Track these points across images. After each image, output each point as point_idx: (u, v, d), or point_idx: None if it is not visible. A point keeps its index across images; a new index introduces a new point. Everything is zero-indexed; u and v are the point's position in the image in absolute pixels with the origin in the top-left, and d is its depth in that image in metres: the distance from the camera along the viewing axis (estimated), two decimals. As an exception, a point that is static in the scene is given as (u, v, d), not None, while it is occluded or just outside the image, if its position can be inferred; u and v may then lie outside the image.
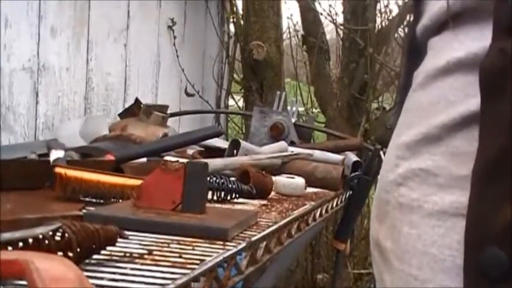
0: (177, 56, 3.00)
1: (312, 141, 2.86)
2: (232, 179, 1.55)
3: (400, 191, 0.65)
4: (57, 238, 0.86)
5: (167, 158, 1.70)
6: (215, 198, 1.47)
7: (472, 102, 0.60)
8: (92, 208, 1.23)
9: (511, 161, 0.55)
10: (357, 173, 1.89)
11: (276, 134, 2.37)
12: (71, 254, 0.85)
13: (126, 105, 2.49)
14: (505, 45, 0.56)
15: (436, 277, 0.60)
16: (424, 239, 0.61)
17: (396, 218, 0.65)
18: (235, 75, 3.50)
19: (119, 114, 2.36)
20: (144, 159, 1.73)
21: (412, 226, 0.62)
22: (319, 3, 3.55)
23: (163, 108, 2.28)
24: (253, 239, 1.12)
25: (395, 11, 3.55)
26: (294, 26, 3.76)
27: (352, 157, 2.23)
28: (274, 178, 1.72)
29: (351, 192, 1.94)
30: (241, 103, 3.43)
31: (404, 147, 0.66)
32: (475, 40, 0.62)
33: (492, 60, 0.58)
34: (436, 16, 0.68)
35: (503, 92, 0.56)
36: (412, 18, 0.73)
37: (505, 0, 0.57)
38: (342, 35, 3.53)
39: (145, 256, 0.96)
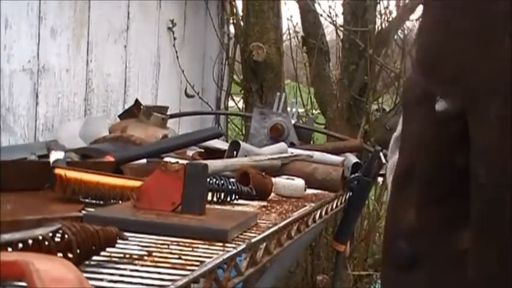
0: (177, 57, 3.00)
1: (311, 142, 2.86)
2: (232, 180, 1.55)
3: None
4: (57, 239, 0.86)
5: (167, 159, 1.70)
6: (215, 199, 1.47)
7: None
8: (91, 209, 1.24)
9: (414, 175, 0.66)
10: (356, 174, 1.89)
11: (276, 135, 2.37)
12: (70, 255, 0.85)
13: (126, 107, 2.49)
14: (413, 75, 0.69)
15: None
16: None
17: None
18: (235, 77, 3.50)
19: (119, 116, 2.36)
20: (144, 161, 1.72)
21: None
22: (319, 5, 3.55)
23: (163, 109, 2.28)
24: (253, 240, 1.12)
25: (395, 12, 3.56)
26: (294, 27, 3.76)
27: (352, 158, 2.23)
28: (274, 179, 1.72)
29: (350, 193, 1.93)
30: (241, 104, 3.43)
31: (393, 142, 0.82)
32: None
33: (405, 86, 0.75)
34: None
35: (411, 117, 0.68)
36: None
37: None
38: (341, 37, 3.53)
39: (145, 257, 0.96)
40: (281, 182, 1.75)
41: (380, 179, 3.71)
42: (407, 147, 0.68)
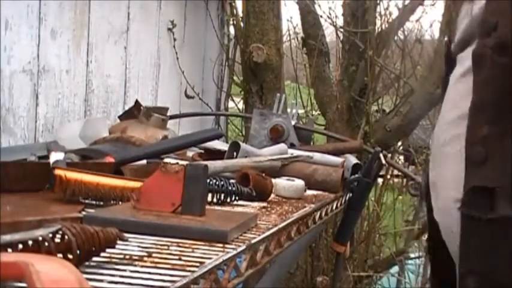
0: (177, 58, 3.00)
1: (311, 143, 2.86)
2: (232, 181, 1.55)
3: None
4: (57, 240, 0.86)
5: (167, 160, 1.71)
6: (215, 200, 1.47)
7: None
8: (91, 210, 1.24)
9: (486, 106, 0.94)
10: (356, 175, 1.89)
11: (276, 136, 2.37)
12: (70, 256, 0.85)
13: (126, 108, 2.49)
14: (481, 43, 0.96)
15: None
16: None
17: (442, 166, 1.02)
18: (235, 78, 3.50)
19: (119, 117, 2.36)
20: (143, 162, 1.73)
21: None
22: (319, 6, 3.55)
23: (163, 110, 2.29)
24: (253, 241, 1.12)
25: (395, 13, 3.56)
26: (294, 28, 3.76)
27: (352, 159, 2.23)
28: (274, 180, 1.72)
29: (350, 194, 1.94)
30: (241, 105, 3.43)
31: (446, 124, 1.02)
32: None
33: (475, 51, 0.97)
34: (463, 33, 1.03)
35: (480, 68, 0.96)
36: (447, 38, 1.12)
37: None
38: (341, 38, 3.53)
39: (145, 258, 0.96)
40: (281, 183, 1.75)
41: (380, 180, 3.71)
42: (478, 90, 0.95)
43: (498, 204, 0.90)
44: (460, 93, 1.00)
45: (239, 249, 1.06)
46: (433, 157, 1.08)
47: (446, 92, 1.06)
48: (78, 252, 0.86)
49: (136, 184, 1.31)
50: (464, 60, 1.01)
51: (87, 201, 1.31)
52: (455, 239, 0.95)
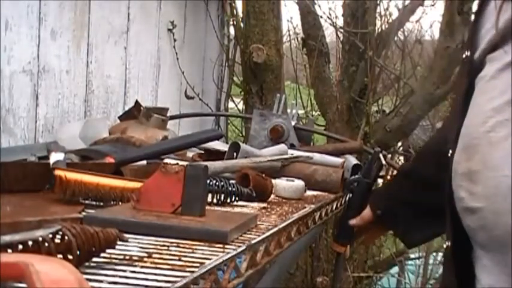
0: (177, 59, 3.00)
1: (311, 144, 2.86)
2: (232, 181, 1.55)
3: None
4: (57, 241, 0.86)
5: (167, 160, 1.70)
6: (215, 201, 1.47)
7: None
8: (91, 211, 1.24)
9: None
10: (356, 176, 1.89)
11: (276, 136, 2.37)
12: (70, 257, 0.85)
13: (126, 108, 2.49)
14: None
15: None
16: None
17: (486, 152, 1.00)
18: (235, 78, 3.50)
19: (119, 117, 2.36)
20: (143, 162, 1.73)
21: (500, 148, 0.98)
22: (319, 6, 3.56)
23: (163, 110, 2.28)
24: (253, 242, 1.12)
25: (395, 14, 3.56)
26: (294, 28, 3.76)
27: (352, 160, 2.23)
28: (274, 181, 1.72)
29: (350, 195, 1.94)
30: (241, 106, 3.43)
31: (491, 110, 1.00)
32: None
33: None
34: (490, 41, 1.02)
35: None
36: (469, 51, 1.09)
37: None
38: (341, 38, 3.53)
39: (145, 259, 0.96)
40: (281, 183, 1.75)
41: (380, 181, 3.71)
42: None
43: None
44: (504, 82, 0.99)
45: (239, 250, 1.06)
46: (467, 148, 1.06)
47: (482, 84, 1.05)
48: (78, 252, 0.86)
49: (136, 185, 1.31)
50: (499, 58, 1.00)
51: (87, 201, 1.31)
52: (508, 219, 0.95)
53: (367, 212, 1.67)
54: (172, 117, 2.50)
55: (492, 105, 1.01)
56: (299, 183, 1.77)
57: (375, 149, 1.87)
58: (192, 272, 0.90)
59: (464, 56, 1.12)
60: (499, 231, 0.99)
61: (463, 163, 1.05)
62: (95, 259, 0.90)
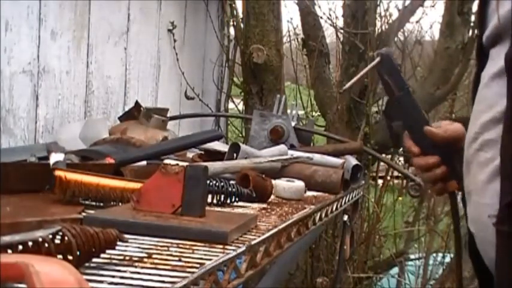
0: (177, 59, 3.00)
1: (311, 144, 2.86)
2: (232, 182, 1.55)
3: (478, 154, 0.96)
4: (57, 241, 0.86)
5: (167, 161, 1.70)
6: (215, 201, 1.47)
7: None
8: (91, 211, 1.23)
9: None
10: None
11: (276, 137, 2.37)
12: (70, 258, 0.85)
13: (126, 109, 2.49)
14: None
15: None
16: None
17: (475, 173, 0.97)
18: (235, 79, 3.50)
19: (119, 118, 2.36)
20: (144, 163, 1.73)
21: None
22: (319, 7, 3.56)
23: (163, 111, 2.29)
24: (253, 242, 1.12)
25: (395, 14, 3.56)
26: (294, 29, 3.76)
27: (352, 161, 2.23)
28: (274, 181, 1.72)
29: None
30: (241, 106, 3.43)
31: (480, 126, 0.96)
32: None
33: (507, 55, 0.90)
34: (494, 28, 0.97)
35: None
36: (477, 30, 1.03)
37: None
38: (342, 39, 3.53)
39: (145, 259, 0.96)
40: (281, 184, 1.75)
41: (380, 181, 3.71)
42: None
43: None
44: (493, 95, 0.96)
45: (239, 250, 1.06)
46: (466, 162, 1.02)
47: (479, 90, 1.01)
48: (78, 253, 0.86)
49: (137, 185, 1.31)
50: (497, 58, 0.97)
51: (87, 202, 1.31)
52: (491, 250, 0.92)
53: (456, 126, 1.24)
54: (172, 118, 2.50)
55: (482, 120, 0.97)
56: (299, 183, 1.77)
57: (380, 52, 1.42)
58: (192, 272, 0.90)
59: (475, 35, 1.09)
60: (487, 260, 0.98)
61: (465, 177, 1.03)
62: (94, 260, 0.90)
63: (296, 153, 2.09)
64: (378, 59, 1.31)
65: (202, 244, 1.07)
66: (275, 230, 1.26)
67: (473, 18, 3.21)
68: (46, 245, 0.84)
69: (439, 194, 1.28)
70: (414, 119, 1.26)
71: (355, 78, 1.37)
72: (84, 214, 1.19)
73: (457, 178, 1.18)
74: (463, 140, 1.09)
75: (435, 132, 1.20)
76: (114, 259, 0.94)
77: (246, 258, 1.09)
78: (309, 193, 1.85)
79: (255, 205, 1.56)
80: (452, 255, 3.28)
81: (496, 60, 0.97)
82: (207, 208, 1.27)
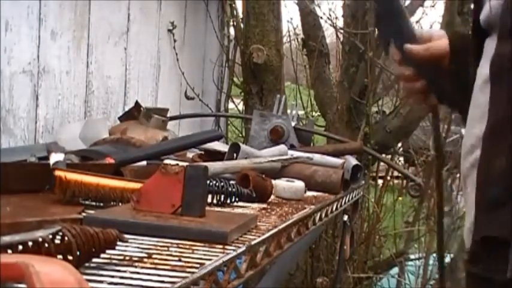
0: (177, 60, 3.00)
1: (311, 144, 2.86)
2: (232, 182, 1.55)
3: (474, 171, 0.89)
4: (57, 241, 0.86)
5: (167, 161, 1.70)
6: (215, 201, 1.47)
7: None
8: (91, 211, 1.23)
9: (505, 129, 0.78)
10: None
11: (276, 137, 2.37)
12: (70, 258, 0.85)
13: (126, 109, 2.49)
14: (502, 50, 0.81)
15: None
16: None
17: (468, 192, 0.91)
18: (235, 79, 3.50)
19: (119, 118, 2.36)
20: (143, 163, 1.73)
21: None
22: (319, 7, 3.56)
23: (163, 111, 2.29)
24: (253, 242, 1.12)
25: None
26: (294, 29, 3.76)
27: (352, 161, 2.23)
28: (274, 182, 1.72)
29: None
30: (241, 106, 3.43)
31: (475, 139, 0.89)
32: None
33: (494, 60, 0.84)
34: (486, 16, 0.91)
35: (500, 83, 0.80)
36: (473, 8, 0.96)
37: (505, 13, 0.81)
38: (342, 39, 3.53)
39: (145, 260, 0.96)
40: (281, 184, 1.75)
41: (380, 181, 3.71)
42: (496, 109, 0.81)
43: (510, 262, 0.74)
44: (486, 102, 0.88)
45: (239, 251, 1.06)
46: (462, 175, 0.95)
47: (474, 90, 0.94)
48: (78, 253, 0.86)
49: (137, 185, 1.31)
50: (490, 52, 0.90)
51: (87, 202, 1.31)
52: None
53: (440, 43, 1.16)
54: (172, 118, 2.50)
55: (476, 132, 0.90)
56: (299, 184, 1.77)
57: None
58: (192, 272, 0.90)
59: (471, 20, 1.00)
60: None
61: (463, 192, 0.99)
62: (94, 260, 0.90)
63: (296, 153, 2.09)
64: None
65: (202, 244, 1.07)
66: (275, 230, 1.26)
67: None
68: (46, 245, 0.84)
69: (416, 104, 1.30)
70: (400, 29, 1.20)
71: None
72: (84, 214, 1.19)
73: (436, 93, 1.16)
74: (446, 58, 1.09)
75: (414, 51, 1.14)
76: (114, 259, 0.94)
77: (246, 259, 1.09)
78: (309, 193, 1.85)
79: (255, 205, 1.56)
80: (452, 256, 3.28)
81: (489, 58, 0.92)
82: (207, 208, 1.27)
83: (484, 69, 0.91)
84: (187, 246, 1.06)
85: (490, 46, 0.91)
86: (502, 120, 0.80)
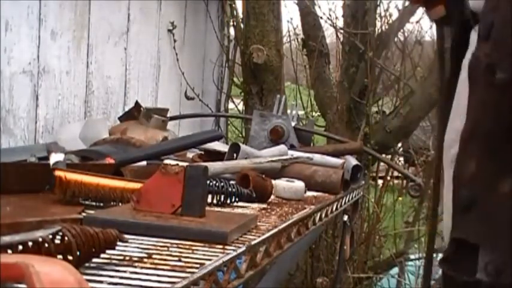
0: (177, 60, 3.00)
1: (311, 144, 2.86)
2: (232, 182, 1.55)
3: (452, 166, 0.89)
4: (57, 241, 0.86)
5: (167, 161, 1.70)
6: (215, 201, 1.47)
7: None
8: (91, 211, 1.23)
9: (476, 133, 0.79)
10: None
11: (276, 137, 2.37)
12: (70, 258, 0.85)
13: (126, 109, 2.49)
14: (481, 52, 0.80)
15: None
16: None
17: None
18: (235, 79, 3.50)
19: (119, 118, 2.36)
20: (143, 163, 1.73)
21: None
22: (319, 7, 3.56)
23: (163, 111, 2.29)
24: (253, 242, 1.12)
25: (395, 15, 3.56)
26: (294, 29, 3.76)
27: (352, 161, 2.23)
28: (274, 182, 1.72)
29: None
30: (241, 106, 3.43)
31: (455, 133, 0.89)
32: None
33: (471, 62, 0.83)
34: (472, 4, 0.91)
35: (475, 87, 0.80)
36: None
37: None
38: (342, 39, 3.53)
39: (145, 260, 0.96)
40: (281, 184, 1.75)
41: (380, 181, 3.71)
42: (471, 112, 0.81)
43: (479, 264, 0.75)
44: (462, 102, 0.88)
45: (239, 251, 1.06)
46: (444, 166, 0.98)
47: (459, 82, 0.95)
48: (78, 253, 0.86)
49: (137, 185, 1.30)
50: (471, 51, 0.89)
51: (87, 202, 1.31)
52: None
53: None
54: (172, 118, 2.50)
55: (456, 127, 0.91)
56: (299, 184, 1.77)
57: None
58: (192, 272, 0.90)
59: None
60: None
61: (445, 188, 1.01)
62: (94, 260, 0.90)
63: (296, 154, 2.09)
64: None
65: (202, 244, 1.07)
66: (275, 230, 1.26)
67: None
68: (46, 245, 0.84)
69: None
70: None
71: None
72: (84, 214, 1.19)
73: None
74: None
75: None
76: (114, 259, 0.94)
77: (246, 259, 1.09)
78: (309, 193, 1.85)
79: (255, 205, 1.56)
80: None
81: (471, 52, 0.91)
82: (207, 208, 1.27)
83: (467, 62, 0.91)
84: (187, 246, 1.06)
85: (473, 39, 0.93)
86: (475, 124, 0.81)
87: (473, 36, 0.93)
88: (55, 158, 1.42)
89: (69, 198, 1.28)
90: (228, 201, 1.50)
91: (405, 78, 3.61)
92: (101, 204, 1.31)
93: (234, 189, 1.51)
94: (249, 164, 1.83)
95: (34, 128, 2.05)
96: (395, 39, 3.64)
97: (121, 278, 0.86)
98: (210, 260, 0.98)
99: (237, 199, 1.52)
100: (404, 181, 3.81)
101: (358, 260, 3.49)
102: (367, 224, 3.55)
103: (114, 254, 0.94)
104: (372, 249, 3.63)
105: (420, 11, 3.69)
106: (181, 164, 1.29)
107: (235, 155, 1.92)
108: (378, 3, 3.48)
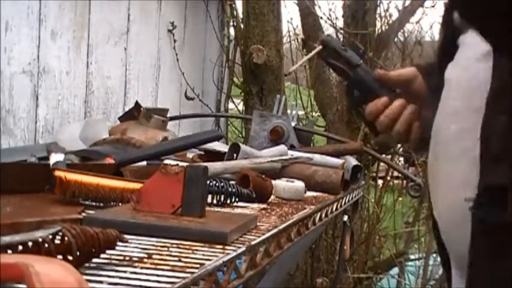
0: (177, 60, 3.00)
1: (311, 145, 2.86)
2: (232, 182, 1.55)
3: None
4: (57, 242, 0.86)
5: (167, 161, 1.70)
6: (215, 202, 1.47)
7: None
8: (91, 211, 1.23)
9: (506, 91, 0.82)
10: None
11: (276, 137, 2.37)
12: (70, 258, 0.85)
13: (126, 109, 2.49)
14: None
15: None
16: None
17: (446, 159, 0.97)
18: (235, 79, 3.50)
19: (119, 118, 2.36)
20: (143, 163, 1.73)
21: None
22: (319, 7, 3.56)
23: (163, 111, 2.29)
24: (253, 243, 1.12)
25: (395, 15, 3.56)
26: (294, 29, 3.77)
27: (352, 161, 2.23)
28: (274, 182, 1.72)
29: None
30: (241, 107, 3.43)
31: (451, 108, 0.93)
32: None
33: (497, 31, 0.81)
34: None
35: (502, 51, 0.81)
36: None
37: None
38: (342, 39, 3.53)
39: (145, 260, 0.96)
40: (281, 184, 1.75)
41: (380, 181, 3.71)
42: (498, 74, 0.84)
43: (509, 207, 0.80)
44: (471, 82, 0.91)
45: (239, 251, 1.06)
46: (434, 148, 1.01)
47: (449, 75, 0.96)
48: (78, 253, 0.86)
49: (137, 185, 1.30)
50: (472, 45, 0.92)
51: (87, 202, 1.31)
52: (459, 241, 0.89)
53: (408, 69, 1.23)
54: (172, 118, 2.50)
55: (455, 107, 0.94)
56: (299, 184, 1.77)
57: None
58: (192, 273, 0.90)
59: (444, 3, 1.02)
60: (452, 251, 0.98)
61: (431, 164, 1.04)
62: (94, 260, 0.90)
63: (296, 154, 2.09)
64: (319, 47, 1.30)
65: (202, 244, 1.07)
66: (275, 230, 1.26)
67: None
68: (46, 245, 0.84)
69: (401, 141, 1.31)
70: (373, 91, 1.24)
71: (297, 64, 1.34)
72: (84, 214, 1.19)
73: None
74: (415, 82, 1.15)
75: (387, 74, 1.20)
76: (114, 259, 0.94)
77: (246, 259, 1.09)
78: (309, 193, 1.85)
79: (255, 205, 1.56)
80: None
81: (468, 47, 0.94)
82: (207, 208, 1.27)
83: (469, 53, 0.93)
84: (187, 247, 1.06)
85: (470, 41, 0.92)
86: (504, 82, 0.84)
87: (471, 39, 0.92)
88: (55, 158, 1.42)
89: (69, 198, 1.28)
90: (228, 201, 1.50)
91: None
92: (101, 204, 1.31)
93: (234, 189, 1.51)
94: (249, 164, 1.83)
95: (34, 128, 2.05)
96: (396, 39, 3.65)
97: (121, 278, 0.86)
98: (210, 260, 0.98)
99: (237, 199, 1.52)
100: (404, 181, 3.81)
101: (358, 260, 3.49)
102: (367, 224, 3.55)
103: (114, 254, 0.94)
104: (372, 250, 3.63)
105: (420, 11, 3.70)
106: (181, 164, 1.29)
107: (235, 155, 1.92)
108: (378, 3, 3.49)
